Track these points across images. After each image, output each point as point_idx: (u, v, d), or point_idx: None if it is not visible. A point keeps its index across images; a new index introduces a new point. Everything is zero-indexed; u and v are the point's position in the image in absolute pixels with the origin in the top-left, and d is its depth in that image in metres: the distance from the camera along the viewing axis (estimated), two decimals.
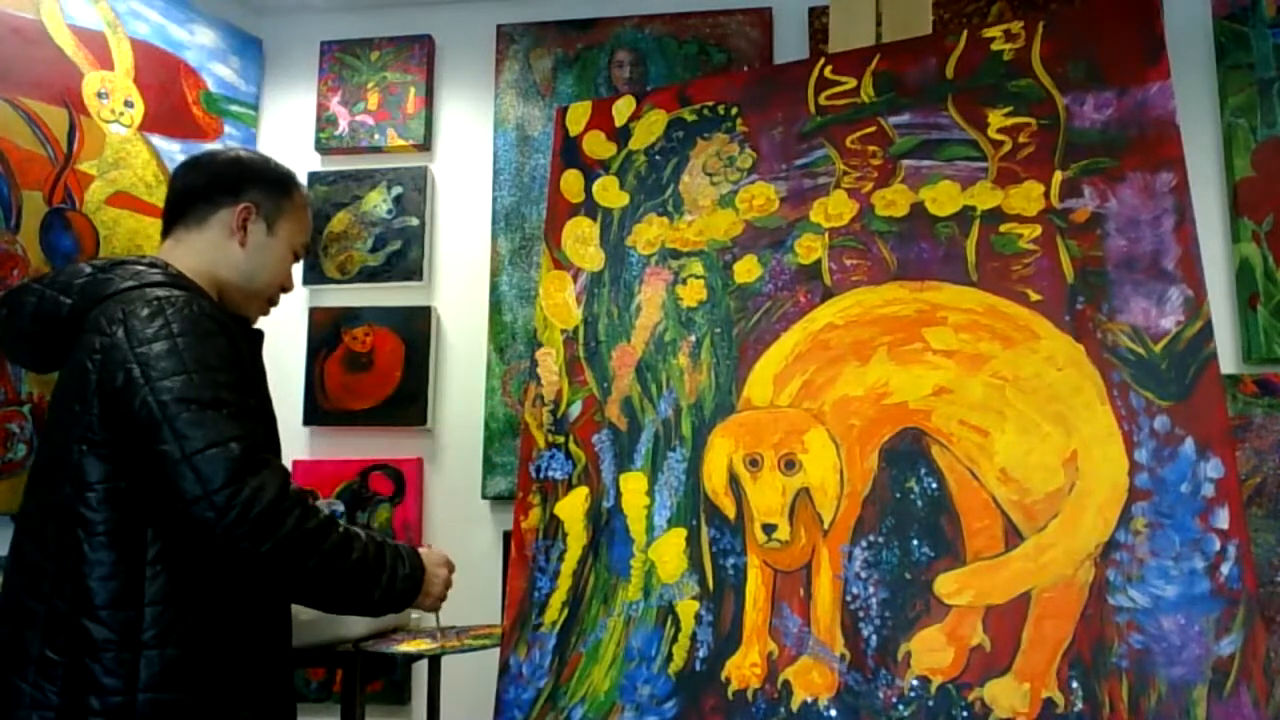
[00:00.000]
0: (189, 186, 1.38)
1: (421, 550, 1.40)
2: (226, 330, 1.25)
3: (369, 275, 2.55)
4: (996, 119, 1.55)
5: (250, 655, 1.25)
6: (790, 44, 2.48)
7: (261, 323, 1.46)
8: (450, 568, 1.45)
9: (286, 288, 1.47)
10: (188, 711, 1.16)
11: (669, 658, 1.49)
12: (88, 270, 1.28)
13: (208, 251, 1.36)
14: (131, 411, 1.14)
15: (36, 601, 1.16)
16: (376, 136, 2.59)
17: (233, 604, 1.23)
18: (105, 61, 2.20)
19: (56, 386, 1.27)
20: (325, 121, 2.63)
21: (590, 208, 1.83)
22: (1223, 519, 1.27)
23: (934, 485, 1.42)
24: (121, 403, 1.15)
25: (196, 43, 2.46)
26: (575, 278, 1.80)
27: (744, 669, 1.44)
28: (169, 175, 2.27)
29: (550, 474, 1.70)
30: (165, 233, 1.39)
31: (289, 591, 1.27)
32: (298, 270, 1.53)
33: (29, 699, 1.12)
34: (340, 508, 2.43)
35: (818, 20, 2.41)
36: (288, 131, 2.65)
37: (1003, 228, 1.50)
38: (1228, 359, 2.08)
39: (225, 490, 1.11)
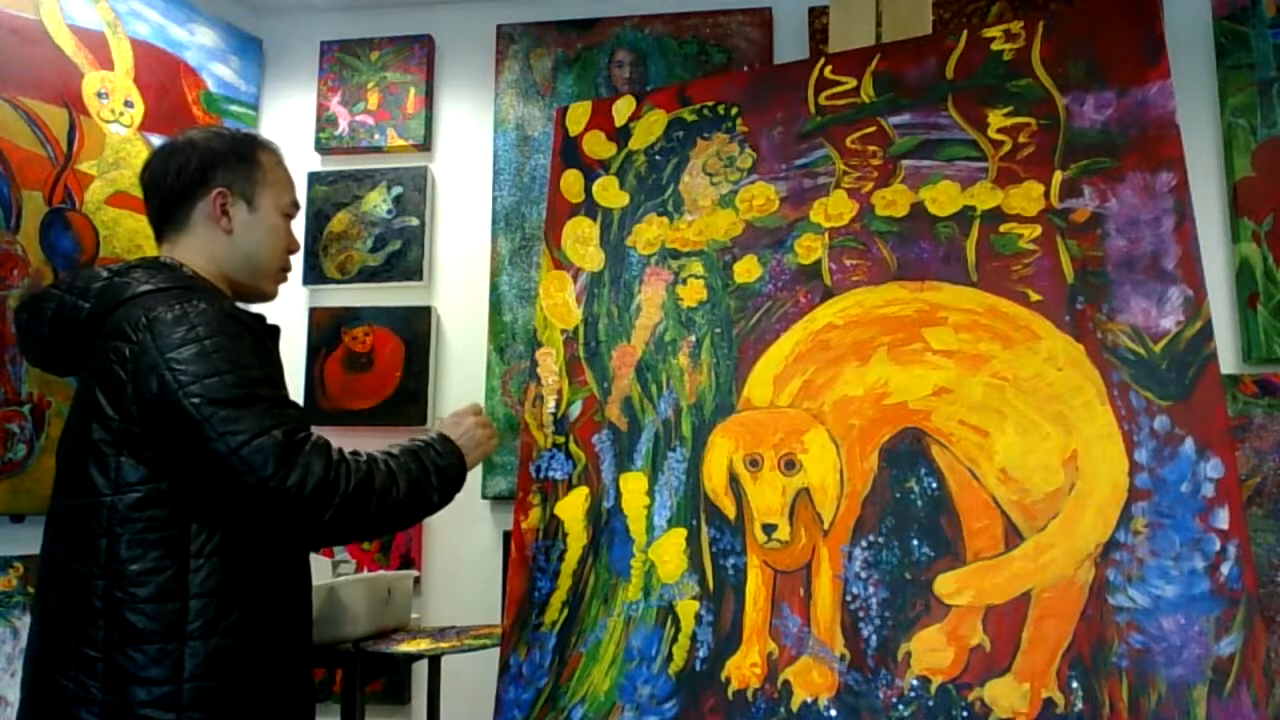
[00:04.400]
0: (160, 192, 1.36)
1: (441, 423, 1.47)
2: (249, 328, 1.27)
3: (369, 275, 2.55)
4: (996, 119, 1.55)
5: (285, 642, 1.29)
6: (790, 44, 2.48)
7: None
8: (472, 412, 1.49)
9: (292, 250, 1.46)
10: (232, 697, 1.19)
11: (669, 658, 1.49)
12: (104, 274, 1.29)
13: (204, 248, 1.36)
14: (171, 416, 1.17)
15: (71, 601, 1.18)
16: (376, 136, 2.60)
17: (270, 594, 1.26)
18: (105, 61, 2.20)
19: (80, 391, 1.28)
20: (325, 121, 2.63)
21: (590, 208, 1.83)
22: (1223, 519, 1.27)
23: (934, 485, 1.42)
24: (160, 409, 1.17)
25: (196, 43, 2.46)
26: (575, 278, 1.80)
27: (744, 669, 1.44)
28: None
29: (550, 474, 1.70)
30: (159, 238, 1.39)
31: (364, 537, 1.34)
32: (299, 258, 1.51)
33: (72, 695, 1.15)
34: None
35: (818, 20, 2.41)
36: (288, 131, 2.64)
37: (1003, 228, 1.50)
38: (1228, 359, 2.08)
39: (278, 475, 1.16)
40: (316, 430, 1.25)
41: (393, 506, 1.26)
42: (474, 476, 2.41)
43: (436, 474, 1.34)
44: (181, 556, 1.18)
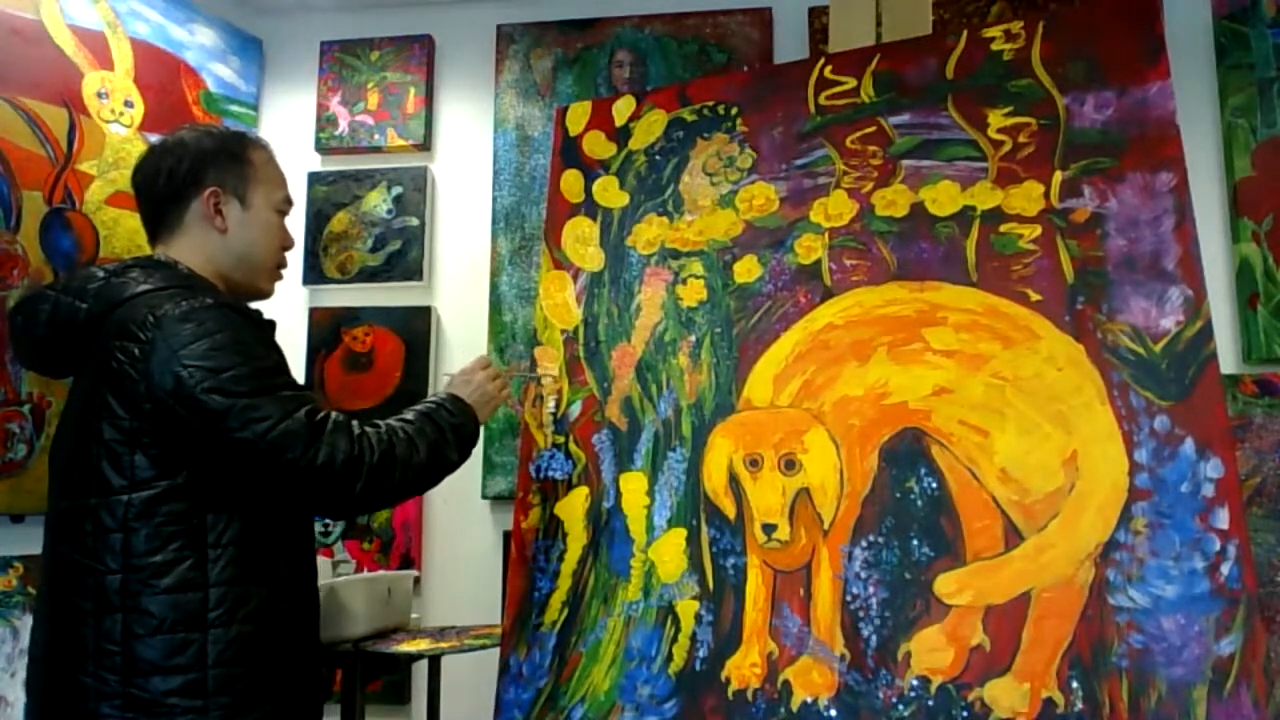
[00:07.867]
0: (153, 193, 1.36)
1: (450, 381, 1.51)
2: (253, 320, 1.29)
3: (369, 275, 2.55)
4: (996, 119, 1.55)
5: (298, 630, 1.31)
6: (790, 44, 2.47)
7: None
8: (480, 366, 1.52)
9: (287, 246, 1.46)
10: (255, 683, 1.21)
11: (669, 658, 1.49)
12: (101, 274, 1.28)
13: (199, 247, 1.35)
14: (190, 412, 1.18)
15: (84, 598, 1.18)
16: (376, 136, 2.60)
17: (283, 582, 1.28)
18: (105, 61, 2.19)
19: (80, 392, 1.28)
20: (325, 121, 2.63)
21: (590, 208, 1.83)
22: (1223, 519, 1.27)
23: (934, 485, 1.42)
24: (178, 405, 1.18)
25: (196, 43, 2.46)
26: (575, 278, 1.80)
27: (744, 669, 1.44)
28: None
29: (550, 474, 1.70)
30: (152, 239, 1.38)
31: (393, 502, 1.38)
32: (297, 253, 1.50)
33: (92, 691, 1.16)
34: None
35: (818, 20, 2.41)
36: (288, 131, 2.64)
37: (1003, 228, 1.50)
38: (1228, 359, 2.08)
39: (308, 454, 1.19)
40: None
41: (416, 471, 1.31)
42: (474, 476, 2.43)
43: (452, 432, 1.38)
44: (200, 547, 1.20)
